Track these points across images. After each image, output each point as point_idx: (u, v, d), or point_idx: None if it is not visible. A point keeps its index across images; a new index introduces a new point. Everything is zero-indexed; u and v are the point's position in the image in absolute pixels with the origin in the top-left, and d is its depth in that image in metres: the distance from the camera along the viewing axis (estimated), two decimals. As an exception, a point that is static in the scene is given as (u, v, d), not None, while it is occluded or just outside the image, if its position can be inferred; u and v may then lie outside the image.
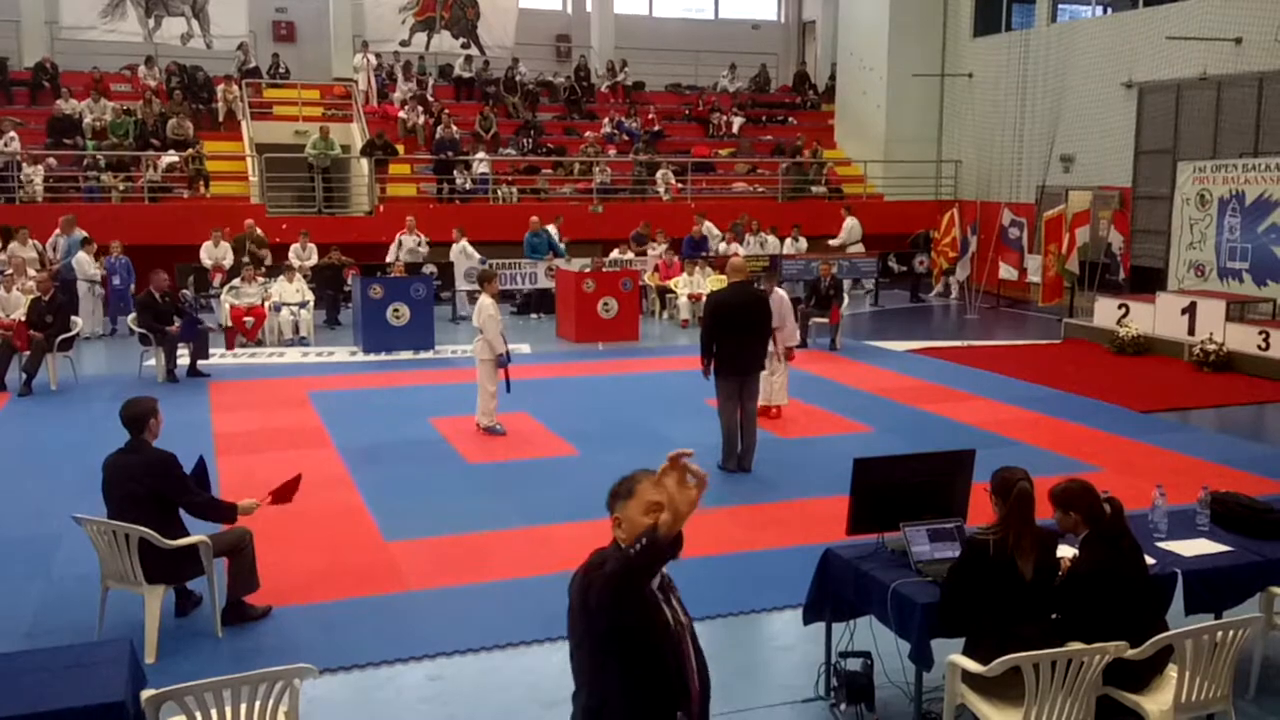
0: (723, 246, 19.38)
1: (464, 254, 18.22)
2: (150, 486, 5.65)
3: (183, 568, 5.75)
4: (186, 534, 5.78)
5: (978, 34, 22.77)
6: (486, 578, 6.69)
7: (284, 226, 18.67)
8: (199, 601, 6.07)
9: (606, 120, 24.09)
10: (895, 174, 23.38)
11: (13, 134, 18.71)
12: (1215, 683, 4.35)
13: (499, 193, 21.05)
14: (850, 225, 21.09)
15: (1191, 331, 14.53)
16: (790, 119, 26.65)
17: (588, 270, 16.35)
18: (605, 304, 15.80)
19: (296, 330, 15.59)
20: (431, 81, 24.58)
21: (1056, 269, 17.59)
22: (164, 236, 17.73)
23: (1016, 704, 4.14)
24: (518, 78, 24.74)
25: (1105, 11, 21.01)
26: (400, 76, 23.79)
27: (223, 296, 15.66)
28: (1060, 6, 21.54)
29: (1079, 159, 20.15)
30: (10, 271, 13.96)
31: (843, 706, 4.99)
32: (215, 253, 17.39)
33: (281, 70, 23.67)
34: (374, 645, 5.70)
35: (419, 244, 18.21)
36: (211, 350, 13.67)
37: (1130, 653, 4.21)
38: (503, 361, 10.00)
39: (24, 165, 18.59)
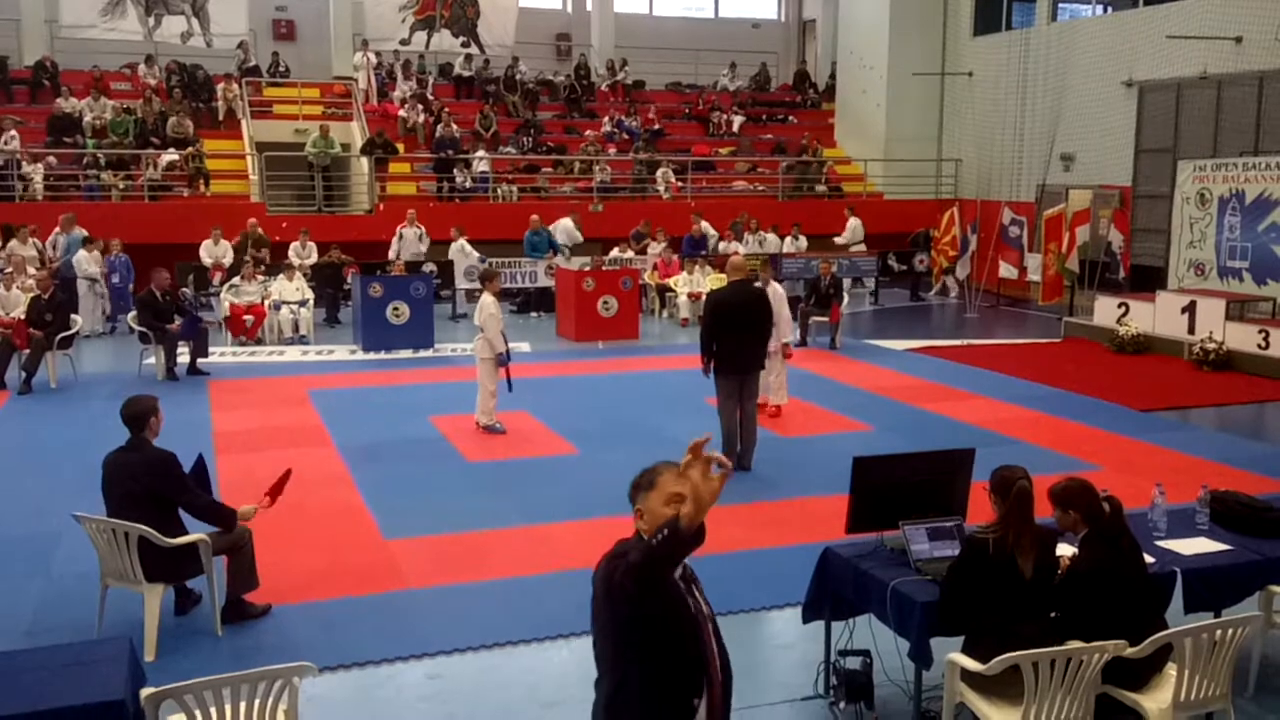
0: (722, 245, 19.38)
1: (462, 252, 18.23)
2: (149, 485, 5.65)
3: (182, 566, 5.75)
4: (186, 533, 5.78)
5: (978, 33, 22.77)
6: (486, 576, 6.69)
7: (284, 225, 18.67)
8: (198, 600, 6.08)
9: (606, 119, 24.09)
10: (895, 173, 23.38)
11: (13, 132, 18.71)
12: (1214, 681, 4.35)
13: (499, 191, 21.05)
14: (854, 225, 21.09)
15: (1191, 330, 14.53)
16: (790, 118, 26.65)
17: (588, 269, 16.36)
18: (605, 303, 15.80)
19: (296, 329, 15.60)
20: (431, 80, 24.58)
21: (1056, 268, 17.59)
22: (164, 235, 17.74)
23: (1016, 702, 4.14)
24: (518, 76, 24.74)
25: (1105, 10, 21.01)
26: (400, 75, 23.79)
27: (223, 295, 15.67)
28: (1060, 5, 21.54)
29: (1079, 158, 20.15)
30: (10, 270, 13.95)
31: (842, 705, 5.00)
32: (215, 251, 17.39)
33: (281, 69, 23.66)
34: (373, 644, 5.70)
35: (419, 236, 18.21)
36: (212, 348, 13.68)
37: (1129, 651, 4.21)
38: (503, 360, 10.00)
39: (24, 164, 18.58)
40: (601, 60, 26.86)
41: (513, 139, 22.79)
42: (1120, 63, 19.02)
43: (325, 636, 5.79)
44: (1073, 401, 11.76)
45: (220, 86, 21.93)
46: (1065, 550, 4.73)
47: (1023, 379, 12.95)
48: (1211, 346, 13.81)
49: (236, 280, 15.61)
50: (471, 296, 17.92)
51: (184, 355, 12.92)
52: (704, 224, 19.73)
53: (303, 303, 15.81)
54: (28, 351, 12.12)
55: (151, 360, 12.90)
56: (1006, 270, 19.82)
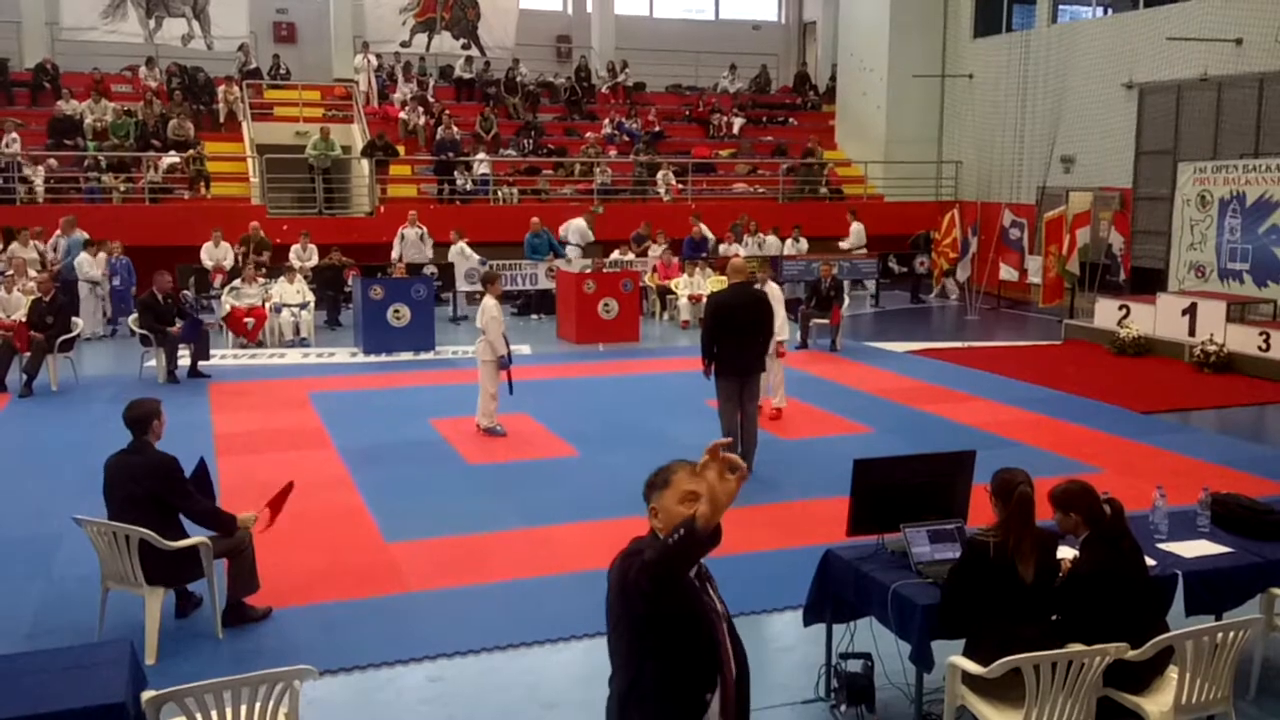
0: (722, 247, 19.39)
1: (462, 255, 18.25)
2: (151, 488, 5.65)
3: (183, 570, 5.75)
4: (186, 536, 5.78)
5: (978, 35, 22.77)
6: (487, 579, 6.69)
7: (284, 227, 18.68)
8: (199, 603, 6.07)
9: (607, 121, 24.10)
10: (896, 175, 23.38)
11: (14, 135, 18.72)
12: (1216, 684, 4.35)
13: (499, 194, 21.05)
14: (857, 229, 21.08)
15: (1192, 332, 14.52)
16: (791, 120, 26.65)
17: (588, 271, 16.36)
18: (606, 305, 15.80)
19: (297, 331, 15.60)
20: (432, 82, 24.59)
21: (1057, 270, 17.59)
22: (165, 237, 17.73)
23: (1017, 705, 4.14)
24: (518, 78, 24.75)
25: (1106, 12, 21.01)
26: (401, 77, 23.80)
27: (223, 297, 15.67)
28: (1061, 7, 21.54)
29: (1079, 160, 20.15)
30: (11, 272, 13.96)
31: (843, 708, 4.99)
32: (216, 253, 17.40)
33: (282, 71, 23.68)
34: (374, 646, 5.70)
35: (421, 237, 18.22)
36: (213, 350, 13.68)
37: (1131, 654, 4.21)
38: (504, 363, 10.01)
39: (24, 166, 18.59)
40: (602, 62, 26.87)
41: (513, 141, 22.80)
42: (1120, 65, 19.03)
43: (326, 639, 5.79)
44: (1073, 404, 11.76)
45: (221, 89, 21.95)
46: (1066, 553, 4.73)
47: (1023, 381, 12.95)
48: (1212, 349, 13.81)
49: (237, 283, 15.62)
50: (472, 299, 17.94)
51: (185, 358, 12.92)
52: (701, 225, 19.74)
53: (303, 305, 15.81)
54: (29, 354, 12.12)
55: (152, 363, 12.90)
56: (1007, 272, 19.82)
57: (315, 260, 17.71)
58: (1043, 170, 20.35)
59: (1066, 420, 10.96)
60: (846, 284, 18.86)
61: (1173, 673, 4.39)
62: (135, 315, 13.30)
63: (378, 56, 23.58)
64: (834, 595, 5.11)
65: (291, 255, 17.42)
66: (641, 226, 19.88)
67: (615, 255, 18.93)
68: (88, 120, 20.13)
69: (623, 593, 2.99)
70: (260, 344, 15.19)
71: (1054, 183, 20.13)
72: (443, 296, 17.75)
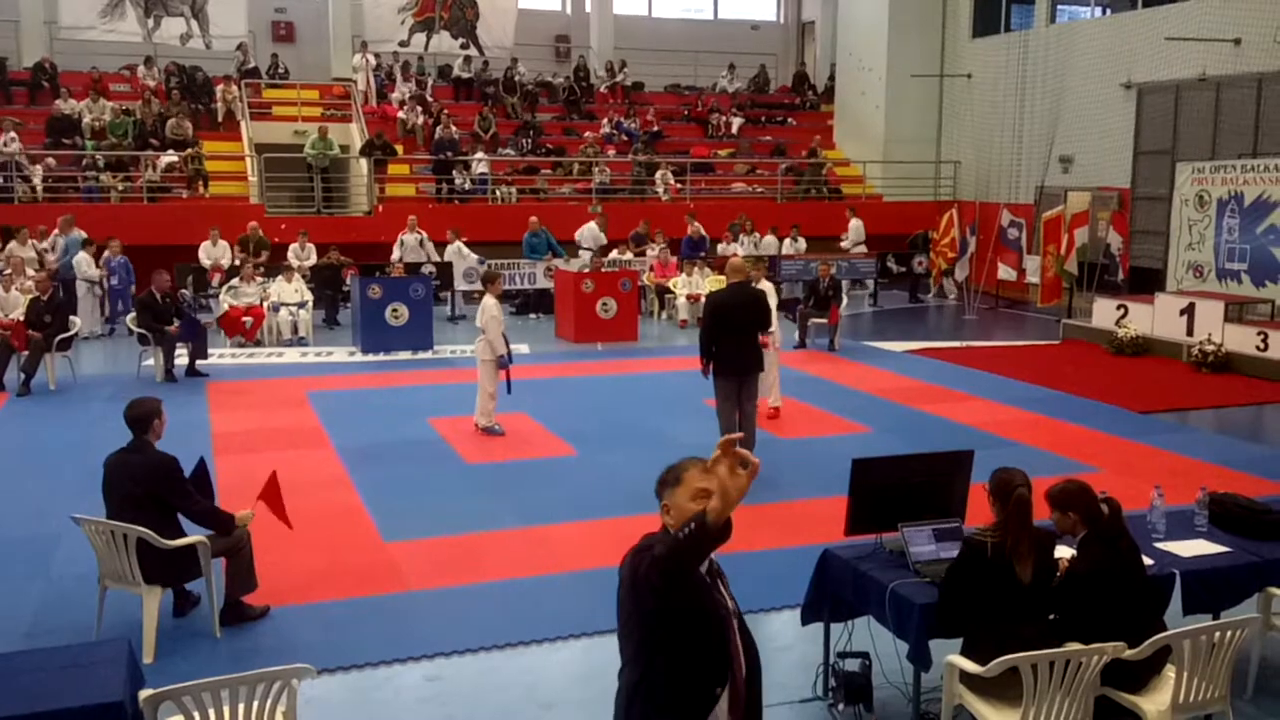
0: (720, 247, 19.40)
1: (459, 254, 18.25)
2: (150, 488, 5.65)
3: (181, 569, 5.75)
4: (185, 535, 5.77)
5: (977, 34, 22.78)
6: (485, 578, 6.69)
7: (283, 226, 18.67)
8: (197, 602, 6.07)
9: (605, 121, 24.09)
10: (894, 174, 23.39)
11: (13, 134, 18.71)
12: (1213, 683, 4.35)
13: (498, 193, 21.05)
14: (856, 226, 21.10)
15: (1190, 332, 14.54)
16: (789, 119, 26.66)
17: (586, 270, 16.36)
18: (604, 304, 15.80)
19: (295, 330, 15.59)
20: (430, 82, 24.58)
21: (1055, 270, 17.60)
22: (163, 237, 17.73)
23: (1014, 704, 4.14)
24: (517, 78, 24.75)
25: (1104, 12, 21.02)
26: (399, 77, 23.79)
27: (221, 296, 15.66)
28: (1059, 7, 21.55)
29: (1078, 160, 20.16)
30: (9, 271, 13.95)
31: (841, 707, 5.00)
32: (214, 252, 17.39)
33: (281, 70, 23.67)
34: (372, 645, 5.70)
35: (420, 242, 18.23)
36: (210, 349, 13.67)
37: (1128, 653, 4.21)
38: (504, 363, 10.01)
39: (25, 164, 18.57)
40: (600, 62, 26.87)
41: (512, 141, 22.80)
42: (1119, 65, 19.04)
43: (324, 638, 5.78)
44: (1071, 403, 11.77)
45: (219, 88, 21.93)
46: (1064, 552, 4.73)
47: (1021, 381, 12.96)
48: (1210, 348, 13.82)
49: (235, 281, 15.61)
50: (470, 298, 17.95)
51: (183, 357, 12.91)
52: (696, 225, 19.76)
53: (301, 304, 15.80)
54: (27, 353, 12.11)
55: (150, 362, 12.89)
56: (1005, 272, 19.83)
57: (313, 259, 17.70)
58: (1041, 170, 20.36)
59: (1064, 420, 10.97)
60: (845, 283, 18.86)
61: (1170, 672, 4.40)
62: (133, 314, 13.29)
63: (376, 56, 23.57)
64: (832, 594, 5.11)
65: (290, 254, 17.42)
66: (640, 226, 19.89)
67: (614, 255, 18.94)
68: (86, 119, 20.11)
69: (633, 587, 3.00)
70: (258, 343, 15.18)
71: (1052, 182, 20.15)
72: (441, 296, 17.75)
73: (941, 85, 23.62)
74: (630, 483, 8.29)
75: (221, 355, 14.26)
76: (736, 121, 25.29)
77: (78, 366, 13.00)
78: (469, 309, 17.41)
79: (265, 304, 15.40)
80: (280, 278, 15.93)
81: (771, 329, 10.32)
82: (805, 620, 5.29)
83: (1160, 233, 17.63)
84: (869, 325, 18.04)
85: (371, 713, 5.14)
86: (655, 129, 24.47)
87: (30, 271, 14.49)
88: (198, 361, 13.03)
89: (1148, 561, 4.82)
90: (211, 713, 3.70)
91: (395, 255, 17.88)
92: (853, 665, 4.99)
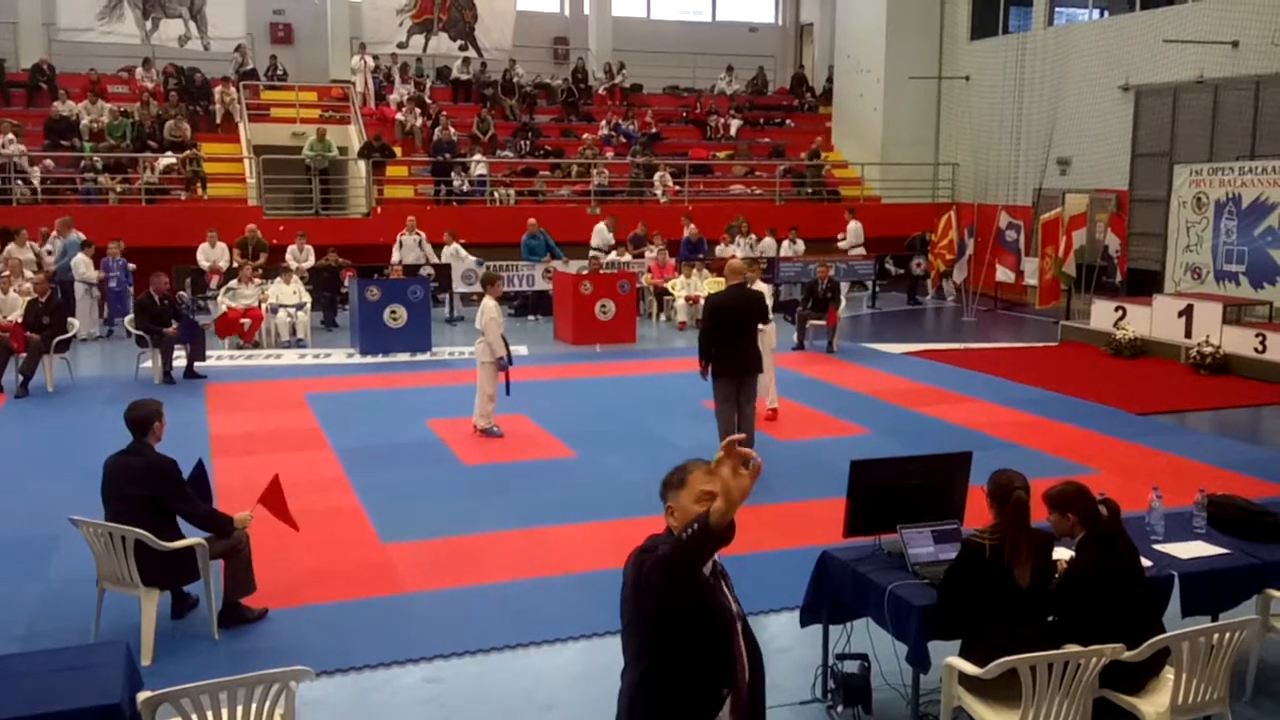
0: (720, 248, 19.40)
1: (457, 256, 18.25)
2: (149, 490, 5.64)
3: (179, 572, 5.74)
4: (183, 537, 5.76)
5: (975, 37, 22.79)
6: (483, 580, 6.69)
7: (281, 228, 18.66)
8: (195, 604, 6.07)
9: (604, 122, 24.09)
10: (892, 177, 23.40)
11: (11, 135, 18.70)
12: (1212, 685, 4.35)
13: (496, 195, 21.05)
14: (854, 228, 21.10)
15: (1188, 334, 14.54)
16: (788, 121, 26.67)
17: (585, 272, 16.36)
18: (603, 306, 15.80)
19: (293, 332, 15.58)
20: (429, 83, 24.58)
21: (1053, 271, 17.61)
22: (161, 238, 17.70)
23: (1013, 706, 4.14)
24: (515, 80, 24.75)
25: (1102, 14, 21.03)
26: (398, 78, 23.79)
27: (220, 298, 15.65)
28: (1057, 9, 21.56)
29: (1076, 162, 20.18)
30: (7, 273, 13.94)
31: (840, 709, 4.99)
32: (212, 254, 17.38)
33: (279, 72, 23.66)
34: (371, 647, 5.70)
35: (419, 243, 18.23)
36: (209, 351, 13.65)
37: (1127, 655, 4.21)
38: (504, 364, 10.01)
39: (28, 164, 18.57)
40: (599, 64, 26.87)
41: (510, 142, 22.80)
42: (1117, 67, 19.05)
43: (322, 640, 5.78)
44: (1070, 405, 11.77)
45: (218, 90, 21.93)
46: (1063, 554, 4.73)
47: (1020, 383, 12.96)
48: (1208, 350, 13.83)
49: (234, 283, 15.60)
50: (468, 300, 17.95)
51: (181, 359, 12.90)
52: (692, 226, 19.79)
53: (300, 306, 15.79)
54: (25, 355, 12.10)
55: (148, 364, 12.89)
56: (1003, 274, 19.84)
57: (312, 261, 17.69)
58: (1039, 172, 20.37)
59: (1063, 421, 10.97)
60: (844, 285, 18.87)
61: (1169, 674, 4.40)
62: (131, 316, 13.28)
63: (375, 58, 23.56)
64: (831, 596, 5.11)
65: (288, 256, 17.41)
66: (639, 227, 19.89)
67: (612, 256, 18.95)
68: (84, 121, 20.11)
69: (636, 588, 3.01)
70: (257, 345, 15.17)
71: (1050, 184, 20.16)
72: (439, 298, 17.74)
73: (939, 87, 23.64)
74: (629, 485, 8.30)
75: (220, 357, 14.25)
76: (735, 123, 25.30)
77: (76, 368, 12.99)
78: (468, 311, 17.40)
79: (263, 306, 15.39)
80: (278, 279, 15.92)
81: (768, 323, 10.34)
82: (804, 622, 5.29)
83: (1158, 235, 17.64)
84: (867, 327, 18.04)
85: (370, 715, 5.14)
86: (654, 131, 24.48)
87: (28, 273, 14.49)
88: (196, 363, 13.02)
89: (1146, 563, 4.82)
90: (210, 715, 3.69)
91: (395, 258, 17.88)
92: (851, 667, 4.99)
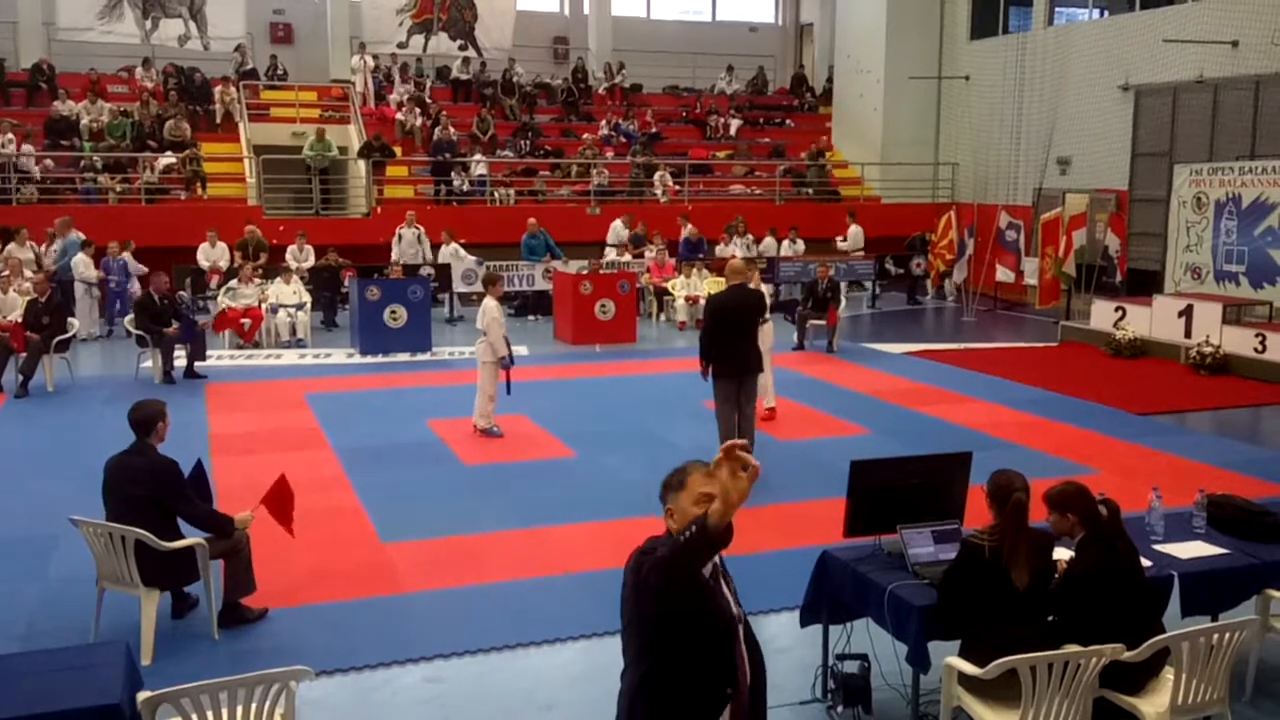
0: (720, 248, 19.40)
1: (456, 255, 18.25)
2: (151, 490, 5.64)
3: (179, 572, 5.74)
4: (183, 537, 5.76)
5: (975, 37, 22.79)
6: (483, 580, 6.69)
7: (281, 228, 18.66)
8: (195, 604, 6.07)
9: (604, 122, 24.09)
10: (892, 176, 23.40)
11: (10, 135, 18.71)
12: (1212, 685, 4.36)
13: (496, 195, 21.05)
14: (855, 231, 21.09)
15: (1188, 334, 14.54)
16: (788, 121, 26.67)
17: (585, 272, 16.36)
18: (603, 306, 15.80)
19: (293, 332, 15.57)
20: (429, 83, 24.58)
21: (1053, 271, 17.61)
22: (161, 238, 17.69)
23: (1013, 706, 4.14)
24: (515, 80, 24.75)
25: (1102, 14, 21.03)
26: (398, 78, 23.79)
27: (220, 298, 15.65)
28: (1057, 9, 21.56)
29: (1075, 161, 20.18)
30: (7, 273, 13.94)
31: (840, 709, 5.00)
32: (212, 254, 17.38)
33: (279, 72, 23.66)
34: (371, 647, 5.70)
35: (418, 238, 18.23)
36: (209, 351, 13.65)
37: (1127, 655, 4.21)
38: (506, 364, 10.02)
39: (31, 163, 18.57)
40: (599, 63, 26.86)
41: (510, 142, 22.80)
42: (1116, 67, 19.05)
43: (322, 640, 5.78)
44: (1069, 405, 11.77)
45: (218, 89, 21.93)
46: (1062, 554, 4.73)
47: (1020, 383, 12.96)
48: (1208, 350, 13.83)
49: (234, 283, 15.60)
50: (468, 300, 17.95)
51: (181, 358, 12.90)
52: (690, 226, 19.79)
53: (300, 306, 15.79)
54: (25, 354, 12.10)
55: (148, 363, 12.89)
56: (1003, 274, 19.84)
57: (312, 261, 17.70)
58: (1039, 172, 20.37)
59: (1063, 422, 10.97)
60: (844, 285, 18.87)
61: (1169, 674, 4.40)
62: (131, 316, 13.28)
63: (374, 57, 23.56)
64: (831, 596, 5.11)
65: (288, 256, 17.41)
66: (639, 227, 19.89)
67: (612, 256, 18.95)
68: (84, 121, 20.11)
69: (635, 589, 3.01)
70: (256, 345, 15.17)
71: (1050, 184, 20.15)
72: (439, 297, 17.74)
73: (939, 87, 23.63)
74: (629, 485, 8.30)
75: (219, 357, 14.25)
76: (735, 123, 25.29)
77: (76, 368, 12.99)
78: (467, 310, 17.41)
79: (263, 305, 15.38)
80: (278, 279, 15.92)
81: (766, 321, 10.34)
82: (804, 622, 5.29)
83: (1158, 235, 17.64)
84: (867, 327, 18.04)
85: (370, 715, 5.14)
86: (653, 131, 24.48)
87: (28, 273, 14.49)
88: (196, 363, 13.02)
89: (1146, 563, 4.82)
90: (210, 715, 3.69)
91: (395, 255, 17.88)
92: (851, 667, 4.99)
